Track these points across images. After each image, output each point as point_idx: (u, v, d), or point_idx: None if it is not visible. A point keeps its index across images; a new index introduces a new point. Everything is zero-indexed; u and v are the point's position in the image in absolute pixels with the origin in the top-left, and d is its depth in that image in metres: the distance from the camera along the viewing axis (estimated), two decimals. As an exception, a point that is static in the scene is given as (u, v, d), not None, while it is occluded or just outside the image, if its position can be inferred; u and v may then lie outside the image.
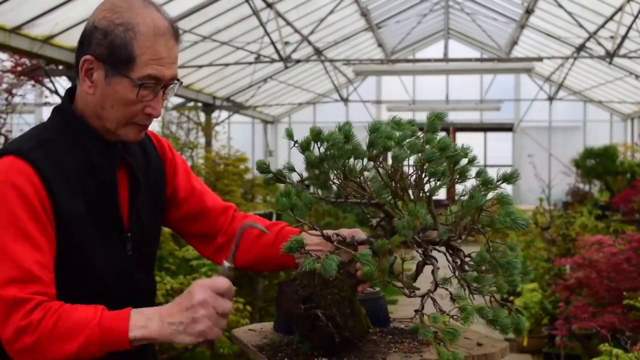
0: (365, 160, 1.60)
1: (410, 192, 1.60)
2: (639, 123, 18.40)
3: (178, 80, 1.72)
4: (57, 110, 1.75)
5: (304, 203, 1.56)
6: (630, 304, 4.98)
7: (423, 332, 1.41)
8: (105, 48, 1.64)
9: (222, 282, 1.55)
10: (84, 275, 1.65)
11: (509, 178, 1.56)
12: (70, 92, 1.76)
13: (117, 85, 1.65)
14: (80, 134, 1.70)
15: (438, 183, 1.57)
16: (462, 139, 19.87)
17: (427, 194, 1.59)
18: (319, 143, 1.60)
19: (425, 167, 1.56)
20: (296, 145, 1.62)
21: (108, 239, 1.70)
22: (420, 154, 1.56)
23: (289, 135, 1.64)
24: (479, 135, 20.11)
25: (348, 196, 1.63)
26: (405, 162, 1.59)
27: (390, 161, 1.61)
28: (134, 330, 1.52)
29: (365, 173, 1.63)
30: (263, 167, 1.68)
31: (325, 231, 1.63)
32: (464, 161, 1.61)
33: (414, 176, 1.59)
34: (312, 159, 1.59)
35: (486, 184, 1.55)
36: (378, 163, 1.60)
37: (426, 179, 1.57)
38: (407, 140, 1.57)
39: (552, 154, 18.95)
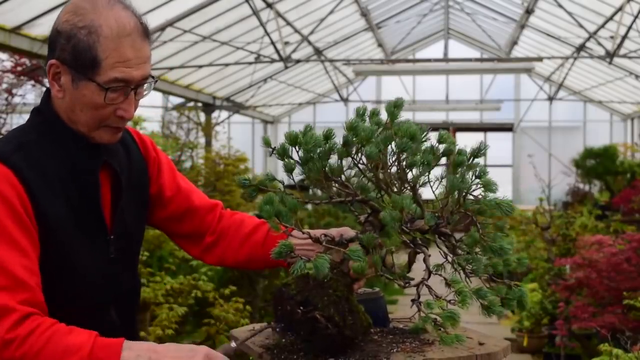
0: (345, 158, 1.61)
1: (395, 184, 1.60)
2: (639, 123, 18.40)
3: (153, 77, 1.68)
4: (36, 111, 1.71)
5: (289, 208, 1.55)
6: (630, 304, 4.98)
7: (423, 320, 1.42)
8: (69, 53, 1.60)
9: (223, 357, 1.53)
10: (67, 279, 1.63)
11: (477, 153, 1.56)
12: (49, 93, 1.72)
13: (84, 90, 1.61)
14: (60, 136, 1.66)
15: (418, 172, 1.57)
16: (462, 139, 19.85)
17: (412, 184, 1.59)
18: (297, 147, 1.58)
19: (402, 158, 1.56)
20: (274, 152, 1.61)
21: (91, 242, 1.68)
22: (392, 145, 1.56)
23: (266, 143, 1.64)
24: (479, 135, 20.11)
25: (332, 197, 1.63)
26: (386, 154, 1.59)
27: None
28: None
29: (348, 171, 1.63)
30: (245, 183, 1.63)
31: (312, 232, 1.62)
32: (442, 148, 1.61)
33: (394, 168, 1.59)
34: (290, 166, 1.59)
35: (459, 165, 1.56)
36: (356, 160, 1.60)
37: (407, 169, 1.58)
38: (377, 134, 1.57)
39: (552, 154, 18.95)
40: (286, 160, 1.59)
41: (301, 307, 1.51)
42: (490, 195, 1.55)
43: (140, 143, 1.88)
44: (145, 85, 1.68)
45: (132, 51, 1.61)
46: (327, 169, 1.59)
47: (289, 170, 1.59)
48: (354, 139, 1.57)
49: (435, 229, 1.56)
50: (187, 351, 1.52)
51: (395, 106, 1.62)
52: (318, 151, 1.58)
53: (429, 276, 1.52)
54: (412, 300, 1.51)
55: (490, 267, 1.52)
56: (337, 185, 1.62)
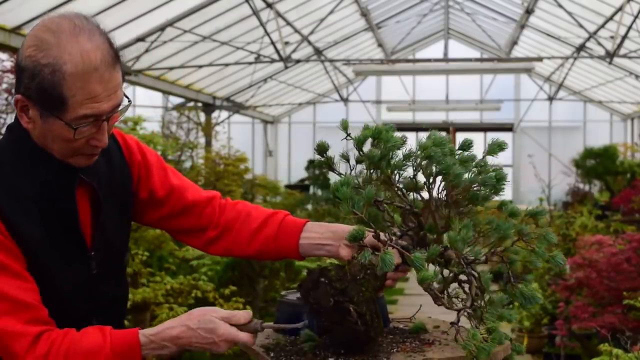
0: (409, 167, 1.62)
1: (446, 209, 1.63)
2: (639, 123, 18.40)
3: (128, 98, 1.62)
4: (10, 129, 1.66)
5: (365, 197, 1.55)
6: (630, 304, 4.98)
7: (462, 346, 1.44)
8: (34, 91, 1.52)
9: (244, 337, 1.57)
10: (46, 295, 1.60)
11: (536, 214, 1.59)
12: None
13: (53, 125, 1.56)
14: (34, 156, 1.62)
15: (476, 206, 1.61)
16: (462, 139, 19.85)
17: (464, 215, 1.62)
18: (375, 141, 1.60)
19: (474, 188, 1.59)
20: (348, 137, 1.62)
21: (70, 260, 1.64)
22: (473, 175, 1.59)
23: (344, 126, 1.63)
24: (479, 135, 20.09)
25: (384, 200, 1.64)
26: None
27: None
28: (149, 352, 1.55)
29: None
30: (323, 147, 1.65)
31: (380, 232, 1.63)
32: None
33: (459, 195, 1.62)
34: (374, 156, 1.59)
35: (513, 215, 1.58)
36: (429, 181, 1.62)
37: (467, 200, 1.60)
38: (468, 162, 1.61)
39: (552, 154, 18.95)
40: (371, 150, 1.60)
41: (336, 297, 1.52)
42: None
43: (124, 147, 1.82)
44: (120, 109, 1.61)
45: (100, 85, 1.53)
46: (396, 173, 1.61)
47: (372, 160, 1.60)
48: (439, 157, 1.58)
49: (468, 263, 1.58)
50: (209, 338, 1.55)
51: (499, 147, 1.64)
52: (390, 154, 1.59)
53: (472, 304, 1.53)
54: (452, 323, 1.55)
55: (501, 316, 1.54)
56: (398, 191, 1.63)
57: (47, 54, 1.51)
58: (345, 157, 1.64)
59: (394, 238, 1.62)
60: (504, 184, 1.62)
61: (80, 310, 1.66)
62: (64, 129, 1.55)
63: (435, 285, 1.57)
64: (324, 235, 1.75)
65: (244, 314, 1.58)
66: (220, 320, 1.56)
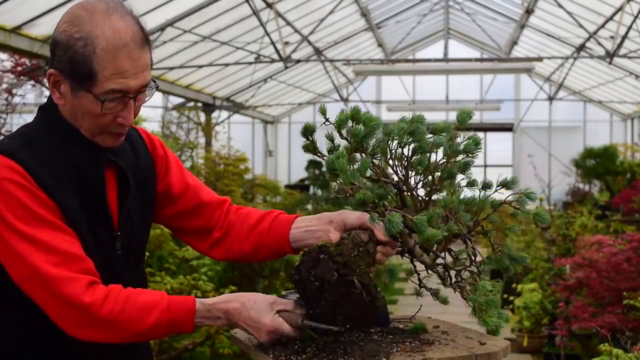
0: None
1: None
2: (639, 123, 18.40)
3: (154, 82, 1.69)
4: (42, 109, 1.74)
5: (362, 167, 1.60)
6: (630, 304, 4.97)
7: (472, 299, 1.51)
8: (67, 64, 1.61)
9: (289, 330, 1.62)
10: None
11: (507, 184, 1.65)
12: None
13: (83, 99, 1.63)
14: (65, 135, 1.69)
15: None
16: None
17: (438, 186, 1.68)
18: (354, 123, 1.65)
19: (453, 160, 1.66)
20: (327, 122, 1.67)
21: (98, 238, 1.70)
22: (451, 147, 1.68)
23: (322, 111, 1.70)
24: (479, 136, 20.08)
25: (378, 176, 1.69)
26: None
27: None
28: (201, 321, 1.64)
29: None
30: (309, 129, 1.72)
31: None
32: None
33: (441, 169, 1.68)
34: (358, 134, 1.63)
35: (486, 187, 1.67)
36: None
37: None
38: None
39: (552, 154, 18.95)
40: (357, 128, 1.66)
41: (340, 270, 1.54)
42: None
43: (148, 142, 1.90)
44: (146, 91, 1.68)
45: (129, 62, 1.61)
46: (378, 150, 1.67)
47: (356, 138, 1.65)
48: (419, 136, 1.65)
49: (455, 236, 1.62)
50: (256, 321, 1.62)
51: (467, 115, 1.72)
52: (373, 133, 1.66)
53: (471, 263, 1.60)
54: (456, 283, 1.60)
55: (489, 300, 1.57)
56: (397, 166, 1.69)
57: (81, 29, 1.60)
58: (330, 138, 1.69)
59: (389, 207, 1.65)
60: (480, 149, 1.71)
61: None
62: (93, 103, 1.62)
63: (427, 258, 1.62)
64: (312, 222, 1.81)
65: (287, 302, 1.65)
66: (269, 309, 1.62)
